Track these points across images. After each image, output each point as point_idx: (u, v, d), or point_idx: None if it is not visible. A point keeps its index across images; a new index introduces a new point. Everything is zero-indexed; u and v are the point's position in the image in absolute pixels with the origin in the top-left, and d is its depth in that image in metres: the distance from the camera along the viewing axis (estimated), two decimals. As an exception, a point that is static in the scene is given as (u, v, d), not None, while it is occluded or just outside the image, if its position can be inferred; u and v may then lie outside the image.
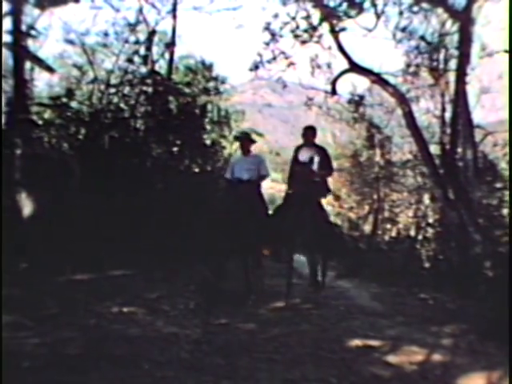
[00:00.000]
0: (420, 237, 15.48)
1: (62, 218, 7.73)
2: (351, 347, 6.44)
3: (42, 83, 17.87)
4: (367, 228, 17.81)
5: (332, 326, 7.39)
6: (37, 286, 7.07)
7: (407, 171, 17.97)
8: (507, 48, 12.03)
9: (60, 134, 11.49)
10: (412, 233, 16.30)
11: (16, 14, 12.44)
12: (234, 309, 7.93)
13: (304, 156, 9.32)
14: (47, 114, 12.60)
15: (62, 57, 17.99)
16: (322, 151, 9.51)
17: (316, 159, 9.04)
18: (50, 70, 17.18)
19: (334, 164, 19.28)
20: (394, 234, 17.22)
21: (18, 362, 4.87)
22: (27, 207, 6.57)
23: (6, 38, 13.94)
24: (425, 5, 14.30)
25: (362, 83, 17.66)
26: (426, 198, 16.49)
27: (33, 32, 13.69)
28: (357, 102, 17.37)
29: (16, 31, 12.36)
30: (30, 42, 13.64)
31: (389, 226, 17.60)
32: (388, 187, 18.14)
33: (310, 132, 9.79)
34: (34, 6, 14.60)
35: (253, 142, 9.96)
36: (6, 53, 15.15)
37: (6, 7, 14.02)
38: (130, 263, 9.58)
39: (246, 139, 9.98)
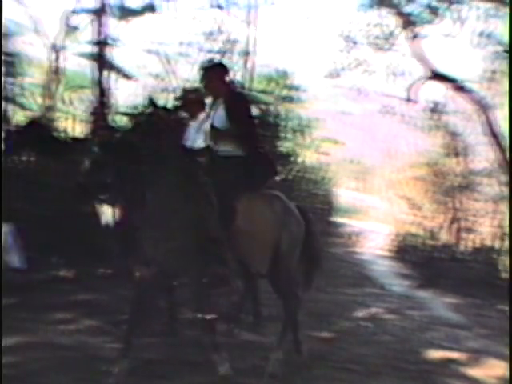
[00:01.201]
0: (498, 247, 15.15)
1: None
2: (430, 359, 6.40)
3: (124, 92, 18.25)
4: (444, 237, 17.55)
5: (410, 337, 7.34)
6: (118, 292, 7.24)
7: (485, 179, 17.65)
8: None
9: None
10: (489, 243, 15.99)
11: (98, 25, 12.79)
12: (313, 318, 7.94)
13: None
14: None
15: (142, 66, 18.34)
16: None
17: None
18: (128, 77, 17.57)
19: (411, 172, 19.11)
20: (471, 243, 16.92)
21: (98, 366, 5.03)
22: (107, 214, 6.72)
23: (89, 49, 14.41)
24: (503, 9, 14.05)
25: (439, 90, 17.45)
26: (504, 207, 16.17)
27: (114, 42, 14.05)
28: (434, 109, 17.15)
29: (98, 42, 12.71)
30: (111, 52, 14.00)
31: (466, 235, 17.30)
32: (465, 196, 17.86)
33: None
34: (115, 17, 15.00)
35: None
36: (88, 63, 15.60)
37: (88, 19, 14.51)
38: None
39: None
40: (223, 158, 5.54)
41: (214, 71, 5.90)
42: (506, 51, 12.68)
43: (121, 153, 4.84)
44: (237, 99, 5.76)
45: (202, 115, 6.34)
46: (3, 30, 17.50)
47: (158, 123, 5.85)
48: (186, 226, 4.94)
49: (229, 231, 5.13)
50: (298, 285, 5.97)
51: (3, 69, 13.51)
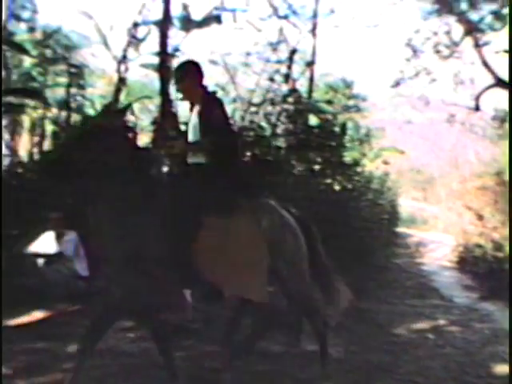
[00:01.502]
0: None
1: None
2: (495, 373, 6.26)
3: (186, 103, 18.43)
4: (508, 248, 17.19)
5: (477, 350, 7.19)
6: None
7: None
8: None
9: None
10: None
11: (162, 36, 12.94)
12: (376, 329, 7.86)
13: None
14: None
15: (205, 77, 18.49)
16: None
17: None
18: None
19: (476, 182, 18.77)
20: (539, 255, 16.53)
21: (160, 373, 5.06)
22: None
23: (153, 60, 14.61)
24: None
25: (506, 98, 17.14)
26: None
27: (177, 53, 14.22)
28: (501, 118, 16.86)
29: (162, 53, 12.86)
30: (175, 63, 14.16)
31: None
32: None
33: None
34: (179, 28, 15.19)
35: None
36: (152, 74, 15.82)
37: (152, 30, 14.73)
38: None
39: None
40: (192, 169, 5.18)
41: (187, 72, 5.35)
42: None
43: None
44: (210, 106, 5.19)
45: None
46: (70, 43, 17.96)
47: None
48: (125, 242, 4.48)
49: (190, 251, 4.55)
50: (317, 299, 5.41)
51: (69, 79, 13.81)
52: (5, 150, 14.64)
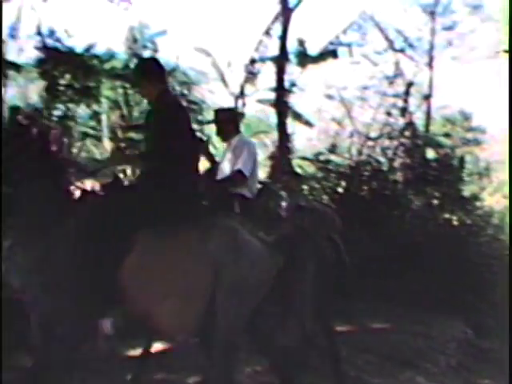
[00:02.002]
0: None
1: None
2: None
3: (302, 137, 18.59)
4: None
5: None
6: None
7: None
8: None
9: (321, 186, 11.88)
10: None
11: (278, 72, 13.13)
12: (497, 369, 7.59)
13: None
14: (310, 168, 13.06)
15: (321, 111, 18.59)
16: None
17: None
18: (309, 124, 17.85)
19: None
20: None
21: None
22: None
23: (269, 95, 14.84)
24: None
25: None
26: None
27: (294, 88, 14.36)
28: None
29: (278, 88, 13.03)
30: (290, 98, 14.31)
31: None
32: None
33: None
34: (295, 64, 15.34)
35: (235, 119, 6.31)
36: (268, 109, 16.04)
37: (269, 66, 14.97)
38: (384, 315, 9.53)
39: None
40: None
41: (142, 69, 4.94)
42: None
43: None
44: (161, 105, 4.62)
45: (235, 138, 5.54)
46: (188, 79, 18.43)
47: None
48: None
49: (114, 275, 3.95)
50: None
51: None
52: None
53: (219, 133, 6.29)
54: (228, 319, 4.11)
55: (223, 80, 18.13)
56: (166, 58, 20.11)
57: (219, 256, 4.08)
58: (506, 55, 12.14)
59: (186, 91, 18.39)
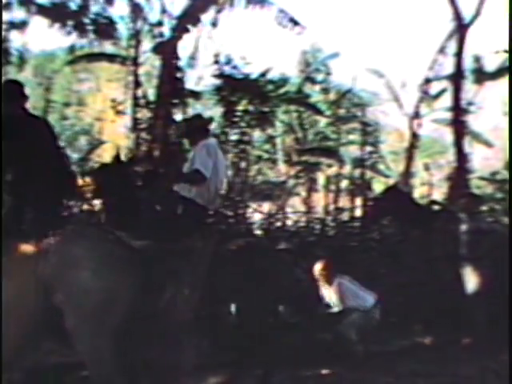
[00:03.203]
0: None
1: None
2: None
3: (478, 156, 18.04)
4: None
5: None
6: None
7: None
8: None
9: (501, 207, 11.43)
10: None
11: (455, 91, 12.80)
12: None
13: None
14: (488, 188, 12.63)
15: (497, 129, 18.01)
16: None
17: None
18: (488, 144, 17.32)
19: None
20: None
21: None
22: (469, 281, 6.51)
23: (446, 115, 14.50)
24: None
25: None
26: None
27: (470, 107, 13.98)
28: None
29: (455, 108, 12.70)
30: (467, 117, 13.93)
31: None
32: None
33: None
34: (472, 81, 14.96)
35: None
36: (443, 129, 15.70)
37: (445, 85, 14.64)
38: None
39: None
40: None
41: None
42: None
43: None
44: None
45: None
46: (361, 101, 18.45)
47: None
48: None
49: None
50: None
51: (362, 137, 14.16)
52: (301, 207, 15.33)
53: (187, 138, 6.15)
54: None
55: (397, 101, 17.98)
56: (338, 80, 20.38)
57: (53, 270, 3.53)
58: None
59: (359, 113, 18.44)
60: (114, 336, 3.47)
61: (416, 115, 15.85)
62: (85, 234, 3.76)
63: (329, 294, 5.68)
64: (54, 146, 4.66)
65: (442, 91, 15.57)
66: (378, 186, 15.71)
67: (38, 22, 12.22)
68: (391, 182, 16.68)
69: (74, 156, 20.92)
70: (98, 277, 3.52)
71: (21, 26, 12.21)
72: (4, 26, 11.65)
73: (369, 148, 15.05)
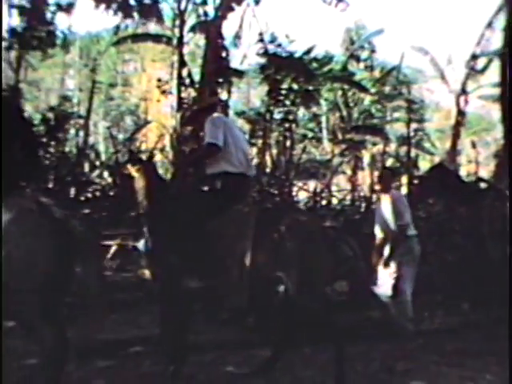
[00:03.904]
0: None
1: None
2: None
3: None
4: None
5: None
6: None
7: None
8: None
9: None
10: None
11: (503, 66, 12.60)
12: None
13: None
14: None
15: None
16: None
17: None
18: None
19: None
20: None
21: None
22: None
23: (493, 91, 14.26)
24: None
25: None
26: None
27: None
28: None
29: (503, 84, 12.50)
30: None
31: None
32: None
33: None
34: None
35: None
36: (489, 105, 15.45)
37: (492, 61, 14.41)
38: None
39: None
40: None
41: None
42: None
43: None
44: None
45: None
46: (406, 79, 18.29)
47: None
48: None
49: None
50: None
51: (408, 115, 14.04)
52: (347, 185, 15.31)
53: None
54: None
55: (442, 78, 17.76)
56: (383, 57, 20.21)
57: None
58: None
59: (404, 90, 18.30)
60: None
61: (462, 92, 15.64)
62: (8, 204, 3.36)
63: (385, 202, 5.66)
64: None
65: (489, 63, 15.31)
66: (424, 164, 15.61)
67: (84, 4, 12.35)
68: (437, 159, 16.58)
69: (120, 136, 21.23)
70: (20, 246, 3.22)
71: (67, 8, 12.32)
72: (51, 9, 11.79)
73: (414, 126, 14.93)
